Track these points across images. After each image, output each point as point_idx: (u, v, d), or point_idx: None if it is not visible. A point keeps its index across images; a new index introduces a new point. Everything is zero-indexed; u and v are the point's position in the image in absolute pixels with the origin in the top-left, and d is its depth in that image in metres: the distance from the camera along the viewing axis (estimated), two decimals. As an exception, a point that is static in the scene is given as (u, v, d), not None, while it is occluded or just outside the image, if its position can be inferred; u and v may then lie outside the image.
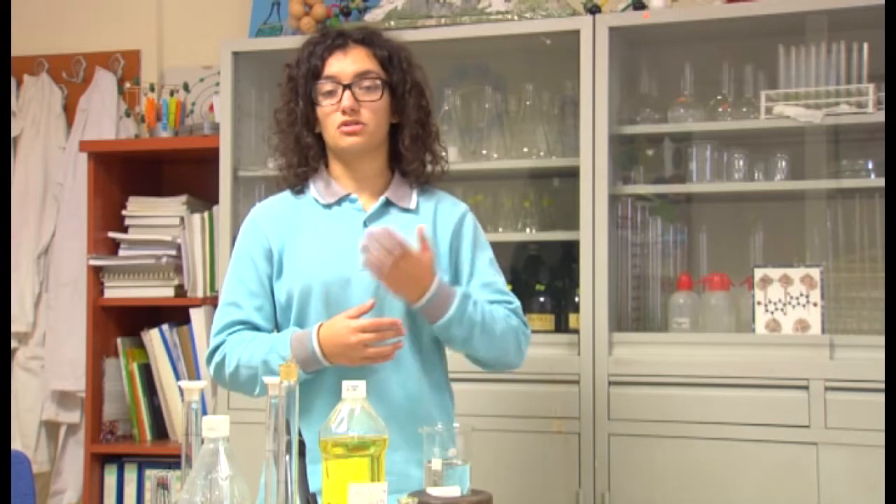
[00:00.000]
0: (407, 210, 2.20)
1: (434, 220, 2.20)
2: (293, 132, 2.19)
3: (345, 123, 2.13)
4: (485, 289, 2.19)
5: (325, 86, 2.15)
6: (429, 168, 2.23)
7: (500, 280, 2.23)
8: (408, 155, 2.19)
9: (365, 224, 2.16)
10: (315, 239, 2.16)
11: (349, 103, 2.12)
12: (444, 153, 2.26)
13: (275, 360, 2.04)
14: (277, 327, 2.20)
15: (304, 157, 2.20)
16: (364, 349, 2.00)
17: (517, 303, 2.22)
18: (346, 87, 2.13)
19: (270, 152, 2.34)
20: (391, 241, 1.99)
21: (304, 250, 2.15)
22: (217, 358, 2.15)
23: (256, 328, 2.16)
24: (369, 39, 2.19)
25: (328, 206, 2.19)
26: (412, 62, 2.22)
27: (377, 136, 2.17)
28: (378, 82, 2.15)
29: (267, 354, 2.06)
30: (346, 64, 2.15)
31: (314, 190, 2.21)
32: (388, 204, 2.19)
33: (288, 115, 2.20)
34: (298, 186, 2.23)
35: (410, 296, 2.04)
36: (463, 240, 2.21)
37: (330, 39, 2.18)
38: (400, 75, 2.19)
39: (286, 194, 2.25)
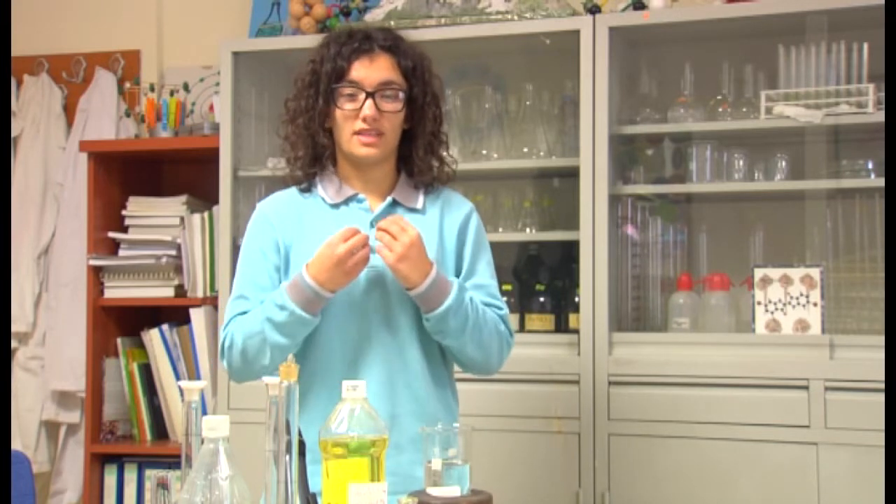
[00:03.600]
0: (413, 210, 2.20)
1: (441, 221, 2.20)
2: (309, 130, 2.18)
3: (363, 132, 2.12)
4: (478, 290, 2.19)
5: (348, 90, 2.14)
6: (435, 172, 2.24)
7: (494, 284, 2.24)
8: (421, 164, 2.20)
9: (371, 224, 2.16)
10: (323, 238, 2.16)
11: (371, 112, 2.11)
12: (453, 159, 2.27)
13: (274, 312, 2.05)
14: None
15: (318, 156, 2.20)
16: (352, 256, 2.02)
17: (506, 310, 2.23)
18: (370, 94, 2.12)
19: (272, 145, 2.32)
20: (397, 225, 2.03)
21: (311, 249, 2.15)
22: (226, 344, 2.13)
23: None
24: (395, 47, 2.18)
25: (335, 206, 2.19)
26: (432, 72, 2.22)
27: (391, 146, 2.18)
28: (400, 93, 2.15)
29: (266, 312, 2.06)
30: (371, 71, 2.14)
31: (321, 189, 2.21)
32: (395, 204, 2.19)
33: (305, 112, 2.18)
34: (304, 184, 2.23)
35: (415, 278, 2.04)
36: (467, 239, 2.22)
37: (357, 42, 2.16)
38: (421, 87, 2.19)
39: (292, 191, 2.24)
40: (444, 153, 2.25)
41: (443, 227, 2.20)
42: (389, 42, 2.18)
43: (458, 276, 2.20)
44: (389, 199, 2.19)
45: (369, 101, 2.11)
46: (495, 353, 2.19)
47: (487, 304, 2.19)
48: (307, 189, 2.22)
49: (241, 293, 2.17)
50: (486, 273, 2.23)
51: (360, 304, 2.11)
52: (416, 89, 2.18)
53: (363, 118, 2.11)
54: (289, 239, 2.17)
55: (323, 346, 2.13)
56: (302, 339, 2.10)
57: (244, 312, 2.14)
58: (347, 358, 2.12)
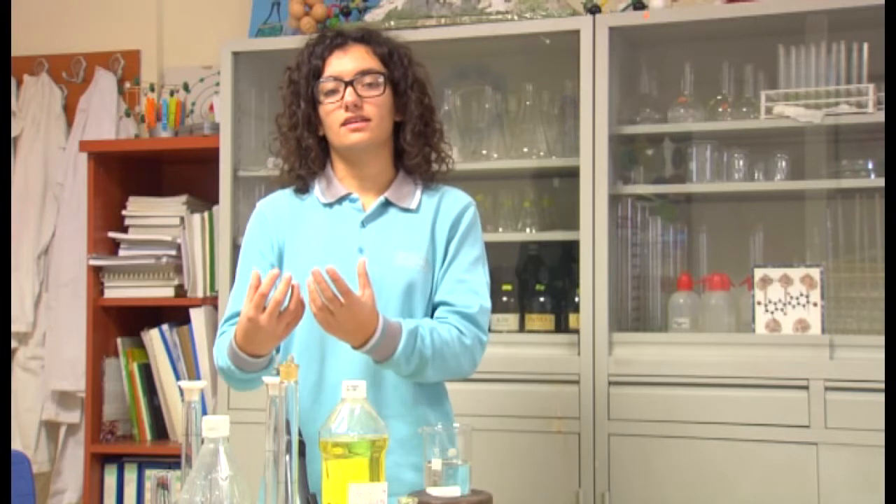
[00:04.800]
0: (407, 210, 2.18)
1: (434, 218, 2.18)
2: (294, 135, 2.19)
3: (349, 120, 2.12)
4: (459, 284, 2.14)
5: (327, 84, 2.14)
6: (434, 167, 2.22)
7: (475, 279, 2.16)
8: (410, 150, 2.18)
9: (363, 224, 2.16)
10: (313, 238, 2.16)
11: (352, 99, 2.11)
12: (449, 151, 2.25)
13: (224, 364, 2.06)
14: None
15: (305, 159, 2.19)
16: (277, 320, 1.92)
17: (476, 308, 2.12)
18: (348, 83, 2.12)
19: (272, 157, 2.33)
20: (332, 290, 1.89)
21: (302, 249, 2.15)
22: (215, 355, 2.16)
23: None
24: (368, 37, 2.19)
25: (329, 206, 2.19)
26: (413, 59, 2.22)
27: (381, 133, 2.16)
28: (380, 78, 2.15)
29: (222, 360, 2.06)
30: (346, 62, 2.15)
31: (317, 189, 2.21)
32: (388, 204, 2.18)
33: (290, 119, 2.19)
34: (301, 185, 2.22)
35: (353, 341, 1.98)
36: (457, 232, 2.18)
37: (329, 39, 2.19)
38: (401, 71, 2.18)
39: (290, 191, 2.24)
40: (441, 144, 2.23)
41: (435, 224, 2.18)
42: (361, 33, 2.20)
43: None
44: (382, 198, 2.17)
45: (349, 89, 2.12)
46: (464, 365, 2.12)
47: (457, 311, 2.11)
48: (304, 189, 2.22)
49: (238, 291, 2.16)
50: (471, 268, 2.16)
51: None
52: (397, 73, 2.18)
53: (345, 106, 2.11)
54: (283, 237, 2.18)
55: (305, 347, 2.13)
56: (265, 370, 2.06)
57: (237, 314, 2.12)
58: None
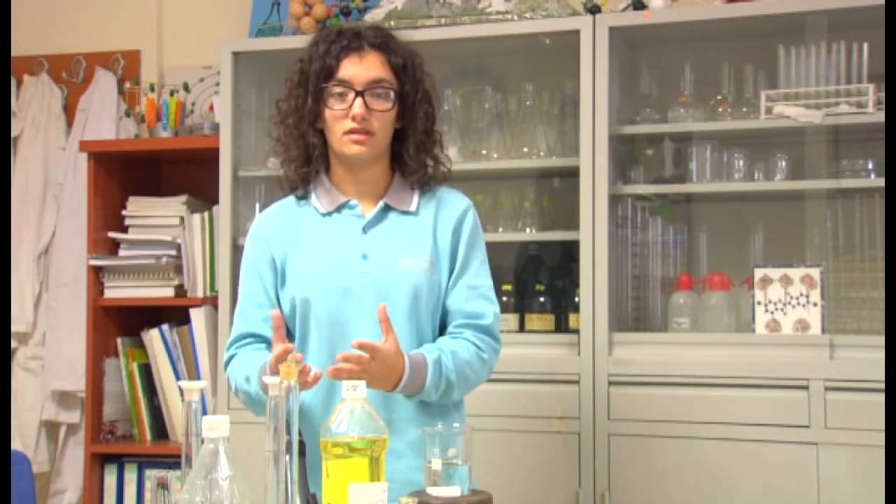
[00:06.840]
0: (406, 213, 2.18)
1: (435, 221, 2.19)
2: (299, 130, 2.17)
3: (353, 131, 2.10)
4: (470, 291, 2.16)
5: (337, 88, 2.12)
6: (430, 171, 2.22)
7: (487, 283, 2.20)
8: (412, 163, 2.18)
9: (364, 230, 2.15)
10: (315, 248, 2.15)
11: (360, 111, 2.09)
12: (447, 162, 2.25)
13: (249, 392, 2.08)
14: (289, 332, 2.19)
15: (308, 156, 2.18)
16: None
17: (493, 315, 2.17)
18: (359, 93, 2.10)
19: (272, 145, 2.32)
20: (359, 355, 1.94)
21: (305, 259, 2.15)
22: (227, 377, 2.18)
23: (264, 339, 2.15)
24: (385, 45, 2.16)
25: (328, 214, 2.18)
26: (424, 70, 2.20)
27: (383, 145, 2.16)
28: (390, 92, 2.13)
29: (247, 386, 2.08)
30: (360, 69, 2.12)
31: (315, 198, 2.20)
32: (387, 209, 2.18)
33: (295, 111, 2.17)
34: (300, 191, 2.21)
35: (386, 386, 2.01)
36: (461, 237, 2.19)
37: (346, 40, 2.14)
38: (412, 84, 2.16)
39: (288, 201, 2.24)
40: (439, 152, 2.22)
41: (437, 227, 2.18)
42: (379, 39, 2.16)
43: (450, 274, 2.18)
44: (381, 203, 2.17)
45: (359, 100, 2.10)
46: (483, 377, 2.18)
47: (470, 323, 2.14)
48: (302, 197, 2.22)
49: (242, 312, 2.19)
50: (479, 273, 2.20)
51: (355, 312, 2.10)
52: (408, 87, 2.16)
53: (352, 117, 2.09)
54: (283, 252, 2.17)
55: (317, 350, 2.13)
56: None
57: (245, 335, 2.16)
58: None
